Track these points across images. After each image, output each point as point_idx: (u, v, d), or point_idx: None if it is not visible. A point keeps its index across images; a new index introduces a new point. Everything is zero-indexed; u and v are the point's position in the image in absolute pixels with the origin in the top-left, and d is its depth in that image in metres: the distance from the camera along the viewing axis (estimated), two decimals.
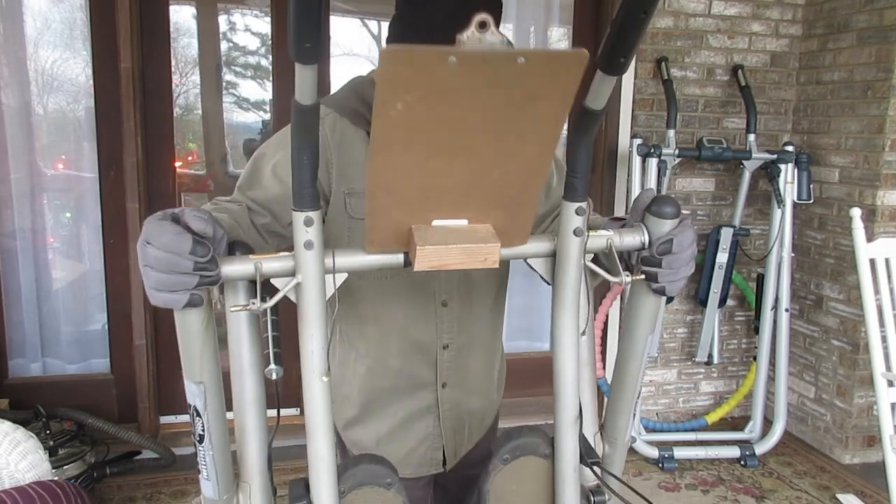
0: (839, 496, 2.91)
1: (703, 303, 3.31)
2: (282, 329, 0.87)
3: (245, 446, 0.94)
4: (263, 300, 0.82)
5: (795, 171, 3.14)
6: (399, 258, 0.90)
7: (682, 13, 3.22)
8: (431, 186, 0.81)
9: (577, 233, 0.93)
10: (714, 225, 3.30)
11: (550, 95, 0.73)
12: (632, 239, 0.98)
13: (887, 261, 2.39)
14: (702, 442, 3.25)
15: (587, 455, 1.06)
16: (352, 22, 3.60)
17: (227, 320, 0.90)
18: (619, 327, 3.32)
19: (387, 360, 1.34)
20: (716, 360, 3.43)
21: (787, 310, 3.19)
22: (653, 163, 3.05)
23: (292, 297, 0.86)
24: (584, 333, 1.04)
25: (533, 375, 3.40)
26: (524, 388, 3.37)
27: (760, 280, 3.27)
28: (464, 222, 0.87)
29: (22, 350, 3.03)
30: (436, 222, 0.86)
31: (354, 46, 3.58)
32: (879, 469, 2.47)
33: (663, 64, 3.17)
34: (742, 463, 3.16)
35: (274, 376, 0.84)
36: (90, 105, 2.94)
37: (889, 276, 2.40)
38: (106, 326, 3.10)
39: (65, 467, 2.53)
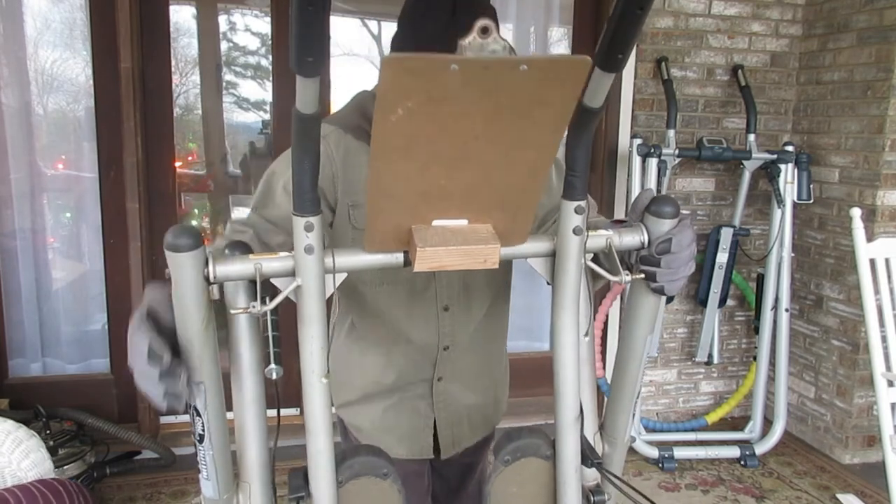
0: (839, 496, 2.91)
1: (703, 303, 3.31)
2: (281, 328, 0.87)
3: (245, 446, 0.95)
4: (263, 301, 0.83)
5: (795, 171, 3.14)
6: (399, 258, 0.90)
7: (682, 13, 3.22)
8: (432, 190, 0.81)
9: (576, 232, 0.93)
10: (714, 225, 3.30)
11: (552, 102, 0.73)
12: (631, 238, 0.98)
13: (887, 261, 2.39)
14: (702, 442, 3.25)
15: (589, 455, 1.06)
16: (352, 22, 3.60)
17: (227, 320, 0.90)
18: (619, 327, 3.32)
19: (390, 357, 1.38)
20: (716, 360, 3.43)
21: (787, 310, 3.19)
22: (653, 163, 3.05)
23: (292, 297, 0.86)
24: (586, 334, 1.04)
25: (533, 375, 3.39)
26: (524, 388, 3.36)
27: (760, 280, 3.27)
28: (464, 222, 0.87)
29: (22, 350, 3.03)
30: (436, 222, 0.86)
31: (354, 46, 3.58)
32: (879, 469, 2.47)
33: (663, 64, 3.16)
34: (742, 463, 3.16)
35: (274, 376, 0.85)
36: (90, 105, 2.94)
37: (889, 276, 2.40)
38: (106, 326, 3.10)
39: (65, 467, 2.52)
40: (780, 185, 3.14)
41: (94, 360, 3.14)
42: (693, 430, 3.35)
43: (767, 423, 3.30)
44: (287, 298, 0.86)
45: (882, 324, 2.37)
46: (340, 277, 0.90)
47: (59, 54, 2.94)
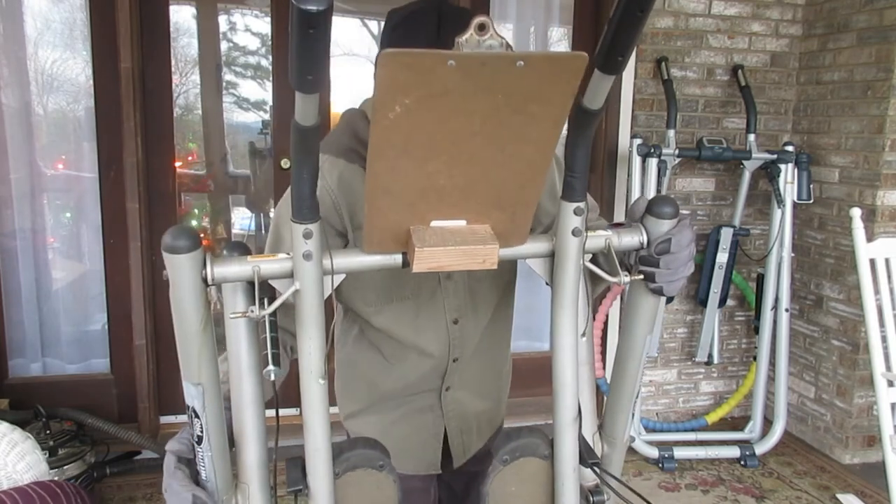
0: (839, 496, 2.91)
1: (703, 303, 3.31)
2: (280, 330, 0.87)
3: (244, 447, 0.95)
4: (262, 304, 0.83)
5: (795, 171, 3.14)
6: (397, 259, 0.90)
7: (682, 13, 3.22)
8: (430, 188, 0.81)
9: (575, 233, 0.93)
10: (714, 225, 3.30)
11: (550, 98, 0.73)
12: (630, 239, 0.98)
13: (887, 261, 2.39)
14: (702, 442, 3.25)
15: (587, 455, 1.06)
16: (352, 22, 3.60)
17: (226, 322, 0.90)
18: (619, 327, 3.32)
19: (398, 368, 1.36)
20: (716, 360, 3.43)
21: (787, 310, 3.19)
22: (653, 163, 3.05)
23: (291, 299, 0.86)
24: (583, 335, 1.04)
25: (533, 375, 3.39)
26: (524, 388, 3.36)
27: (760, 280, 3.27)
28: (462, 223, 0.87)
29: (22, 350, 3.03)
30: (434, 223, 0.86)
31: (354, 46, 3.58)
32: (879, 469, 2.47)
33: (663, 64, 3.16)
34: (742, 463, 3.16)
35: (272, 377, 0.85)
36: (90, 105, 2.94)
37: (889, 276, 2.39)
38: (106, 326, 3.10)
39: (65, 467, 2.53)
40: (780, 185, 3.13)
41: (94, 360, 3.14)
42: (693, 430, 3.35)
43: (767, 423, 3.30)
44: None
45: (882, 324, 2.36)
46: (339, 278, 0.90)
47: (59, 54, 2.94)
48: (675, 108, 3.11)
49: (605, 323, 3.32)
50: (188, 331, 0.83)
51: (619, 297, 3.28)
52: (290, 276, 0.85)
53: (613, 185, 3.31)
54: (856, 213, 2.40)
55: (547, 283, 1.02)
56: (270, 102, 3.27)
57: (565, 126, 0.81)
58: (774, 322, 3.23)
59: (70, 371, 3.10)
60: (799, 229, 3.41)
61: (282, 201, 1.22)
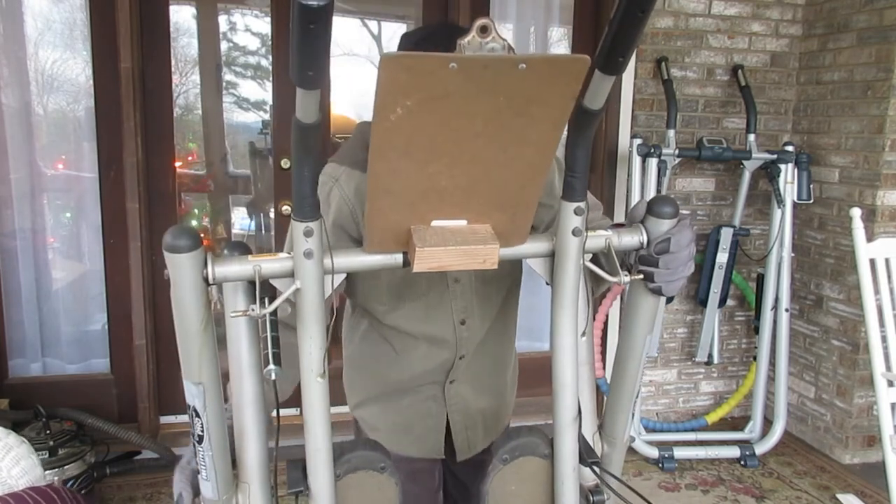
0: (839, 496, 2.91)
1: (703, 303, 3.31)
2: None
3: (244, 447, 0.95)
4: (262, 303, 0.83)
5: (795, 171, 3.14)
6: (398, 258, 0.91)
7: (682, 13, 3.22)
8: (431, 189, 0.81)
9: (575, 232, 0.93)
10: (714, 225, 3.30)
11: (551, 100, 0.73)
12: (630, 239, 0.98)
13: (887, 261, 2.39)
14: (702, 442, 3.25)
15: (586, 455, 1.06)
16: (352, 22, 3.60)
17: (226, 321, 0.90)
18: (619, 327, 3.32)
19: (408, 360, 1.39)
20: (716, 360, 3.43)
21: (787, 310, 3.19)
22: (653, 163, 3.05)
23: (292, 299, 0.86)
24: (583, 334, 1.04)
25: (533, 375, 3.38)
26: (524, 388, 3.32)
27: (760, 280, 3.27)
28: (463, 223, 0.87)
29: (22, 350, 3.03)
30: (435, 223, 0.86)
31: (354, 46, 3.58)
32: (879, 469, 2.47)
33: (663, 64, 3.16)
34: (742, 463, 3.16)
35: (273, 376, 0.85)
36: (90, 105, 2.94)
37: (889, 276, 2.39)
38: (106, 326, 3.10)
39: (65, 467, 2.52)
40: (780, 185, 3.13)
41: (94, 360, 3.13)
42: (693, 430, 3.35)
43: (767, 423, 3.30)
44: None
45: (882, 324, 2.36)
46: (339, 278, 0.90)
47: (59, 54, 2.94)
48: (675, 108, 3.11)
49: (605, 323, 3.32)
50: (189, 330, 0.84)
51: (619, 297, 3.28)
52: (291, 275, 0.85)
53: (613, 185, 3.31)
54: (856, 213, 2.40)
55: (547, 283, 1.02)
56: (270, 102, 3.27)
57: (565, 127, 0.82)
58: (774, 322, 3.23)
59: (70, 371, 3.10)
60: (799, 229, 3.41)
61: None
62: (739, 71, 3.26)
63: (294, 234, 0.83)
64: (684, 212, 2.86)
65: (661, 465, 3.12)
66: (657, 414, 3.56)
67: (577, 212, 0.92)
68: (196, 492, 0.98)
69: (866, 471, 3.12)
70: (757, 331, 3.30)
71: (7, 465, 1.81)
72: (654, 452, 3.14)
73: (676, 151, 3.09)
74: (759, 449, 3.20)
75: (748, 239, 3.48)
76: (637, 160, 3.08)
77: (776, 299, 3.20)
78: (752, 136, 3.17)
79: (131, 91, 2.80)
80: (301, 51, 0.64)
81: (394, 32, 3.78)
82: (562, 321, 0.99)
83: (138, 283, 2.94)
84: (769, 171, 3.19)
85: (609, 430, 1.15)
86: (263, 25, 3.25)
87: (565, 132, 0.83)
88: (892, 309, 2.38)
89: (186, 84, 3.24)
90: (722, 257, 3.23)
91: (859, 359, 3.10)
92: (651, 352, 3.31)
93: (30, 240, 2.99)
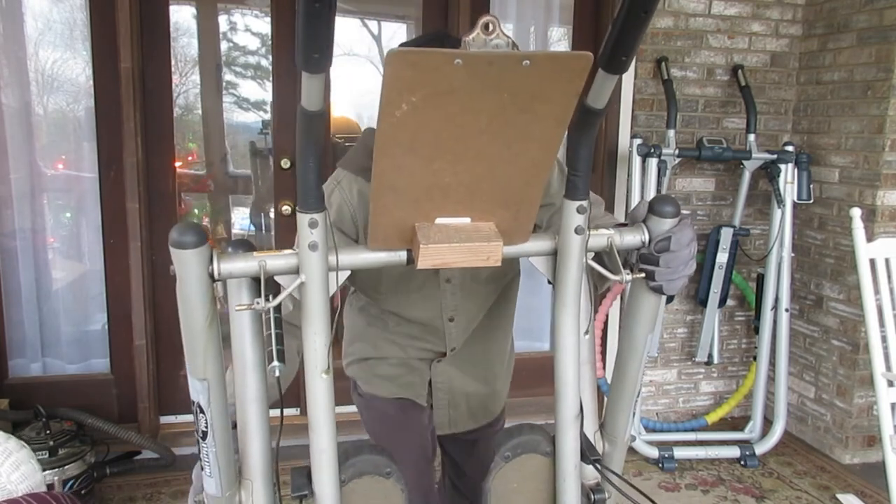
0: (839, 496, 2.91)
1: (703, 303, 3.31)
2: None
3: (248, 443, 0.95)
4: (267, 298, 0.83)
5: (795, 171, 3.14)
6: (402, 256, 0.91)
7: (682, 13, 3.22)
8: (436, 185, 0.81)
9: (578, 231, 0.93)
10: (714, 225, 3.30)
11: (554, 97, 0.74)
12: (632, 237, 0.98)
13: (887, 261, 2.39)
14: (702, 442, 3.25)
15: (588, 453, 1.06)
16: (352, 22, 3.60)
17: (230, 318, 0.90)
18: (619, 327, 3.32)
19: (399, 340, 1.47)
20: (716, 360, 3.43)
21: (787, 310, 3.20)
22: (653, 163, 3.05)
23: (296, 295, 0.86)
24: (587, 333, 1.05)
25: (533, 375, 3.40)
26: (524, 388, 3.37)
27: (760, 280, 3.27)
28: (467, 220, 0.87)
29: (22, 350, 3.03)
30: (439, 220, 0.86)
31: (354, 46, 3.58)
32: (879, 469, 2.47)
33: (663, 64, 3.17)
34: (742, 463, 3.16)
35: (277, 373, 0.85)
36: (90, 105, 2.94)
37: (889, 276, 2.40)
38: (106, 326, 3.09)
39: (65, 467, 2.52)
40: (780, 185, 3.14)
41: (94, 360, 3.13)
42: (693, 430, 3.35)
43: (767, 423, 3.30)
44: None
45: (882, 324, 2.37)
46: (344, 275, 0.90)
47: (60, 54, 2.94)
48: (675, 108, 3.11)
49: (606, 323, 3.32)
50: (194, 326, 0.84)
51: (619, 297, 3.29)
52: (296, 272, 0.86)
53: (613, 185, 3.32)
54: (856, 213, 2.40)
55: (549, 282, 1.02)
56: (270, 102, 3.26)
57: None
58: (774, 322, 3.23)
59: (70, 371, 3.10)
60: (799, 229, 3.41)
61: None
62: (739, 71, 3.26)
63: (299, 225, 0.84)
64: (684, 212, 2.86)
65: (661, 465, 3.12)
66: (657, 414, 3.56)
67: (579, 210, 0.93)
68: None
69: (866, 471, 3.12)
70: (757, 331, 3.30)
71: (7, 471, 1.80)
72: (654, 452, 3.14)
73: (676, 151, 3.09)
74: (759, 449, 3.20)
75: (748, 239, 3.48)
76: (637, 160, 3.08)
77: (776, 299, 3.20)
78: (752, 136, 3.17)
79: (131, 91, 2.80)
80: (306, 31, 0.64)
81: (394, 32, 3.79)
82: (564, 320, 0.99)
83: (138, 283, 2.94)
84: (769, 171, 3.20)
85: (610, 430, 1.15)
86: (263, 25, 3.25)
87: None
88: (892, 309, 2.39)
89: (186, 84, 3.25)
90: (722, 257, 3.23)
91: (859, 359, 3.10)
92: (651, 351, 3.32)
93: (30, 240, 2.99)
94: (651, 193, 3.08)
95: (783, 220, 3.15)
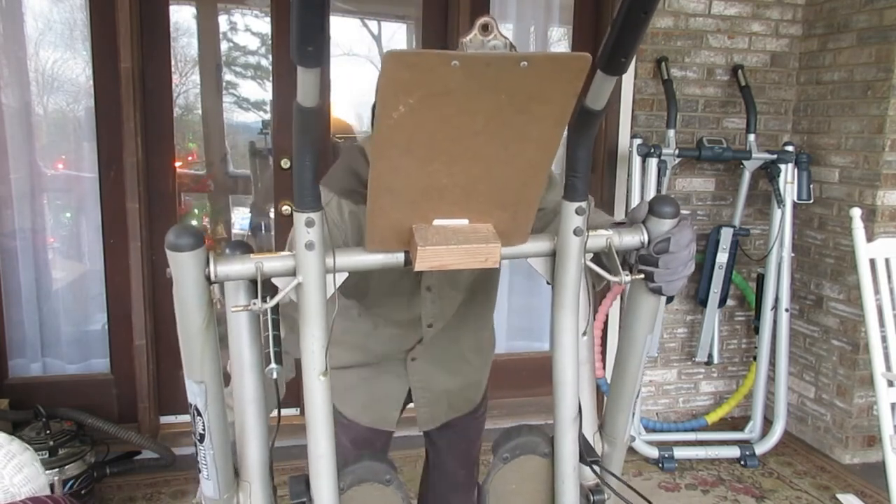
0: (839, 496, 2.91)
1: (703, 303, 3.31)
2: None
3: (245, 445, 0.95)
4: (264, 300, 0.82)
5: (795, 171, 3.14)
6: (399, 257, 0.91)
7: (682, 13, 3.22)
8: (433, 187, 0.81)
9: (576, 232, 0.93)
10: (714, 225, 3.30)
11: (552, 98, 0.73)
12: (631, 238, 0.98)
13: (887, 261, 2.39)
14: (702, 442, 3.25)
15: (587, 454, 1.06)
16: (352, 22, 3.60)
17: (228, 319, 0.90)
18: (619, 327, 3.32)
19: (375, 338, 1.47)
20: (716, 360, 3.43)
21: (787, 310, 3.19)
22: (653, 163, 3.05)
23: (293, 297, 0.86)
24: (584, 334, 1.04)
25: (533, 375, 3.40)
26: (524, 388, 3.37)
27: (760, 280, 3.27)
28: (464, 222, 0.87)
29: (22, 350, 3.03)
30: (437, 221, 0.86)
31: (354, 46, 3.58)
32: (879, 469, 2.47)
33: (663, 64, 3.17)
34: (742, 463, 3.16)
35: (274, 375, 0.85)
36: (90, 105, 2.94)
37: (889, 276, 2.40)
38: (106, 326, 3.09)
39: (65, 467, 2.52)
40: (780, 185, 3.14)
41: (94, 360, 3.13)
42: (693, 430, 3.35)
43: (767, 423, 3.30)
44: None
45: (882, 324, 2.36)
46: (341, 277, 0.90)
47: (60, 54, 2.94)
48: (675, 108, 3.11)
49: (605, 323, 3.32)
50: (191, 329, 0.83)
51: (619, 297, 3.28)
52: (293, 274, 0.85)
53: (613, 185, 3.31)
54: (856, 213, 2.40)
55: (548, 283, 1.02)
56: (270, 102, 3.26)
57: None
58: (774, 322, 3.23)
59: (70, 371, 3.10)
60: (799, 229, 3.41)
61: None
62: (739, 71, 3.26)
63: (295, 225, 0.83)
64: (684, 212, 2.85)
65: (661, 465, 3.12)
66: (657, 414, 3.56)
67: (578, 211, 0.92)
68: None
69: (866, 471, 3.12)
70: (757, 331, 3.30)
71: (9, 473, 1.79)
72: (654, 452, 3.14)
73: (676, 151, 3.09)
74: (759, 449, 3.20)
75: (748, 239, 3.48)
76: (637, 160, 3.08)
77: (776, 299, 3.20)
78: (752, 136, 3.17)
79: (131, 91, 2.80)
80: (300, 23, 0.64)
81: (394, 32, 3.78)
82: (562, 321, 0.99)
83: (138, 283, 2.94)
84: (769, 171, 3.19)
85: (609, 430, 1.15)
86: (263, 25, 3.25)
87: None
88: (892, 309, 2.38)
89: (186, 84, 3.24)
90: (722, 257, 3.23)
91: (859, 359, 3.10)
92: (651, 352, 3.31)
93: (30, 240, 2.99)
94: (651, 193, 3.07)
95: (783, 220, 3.15)
